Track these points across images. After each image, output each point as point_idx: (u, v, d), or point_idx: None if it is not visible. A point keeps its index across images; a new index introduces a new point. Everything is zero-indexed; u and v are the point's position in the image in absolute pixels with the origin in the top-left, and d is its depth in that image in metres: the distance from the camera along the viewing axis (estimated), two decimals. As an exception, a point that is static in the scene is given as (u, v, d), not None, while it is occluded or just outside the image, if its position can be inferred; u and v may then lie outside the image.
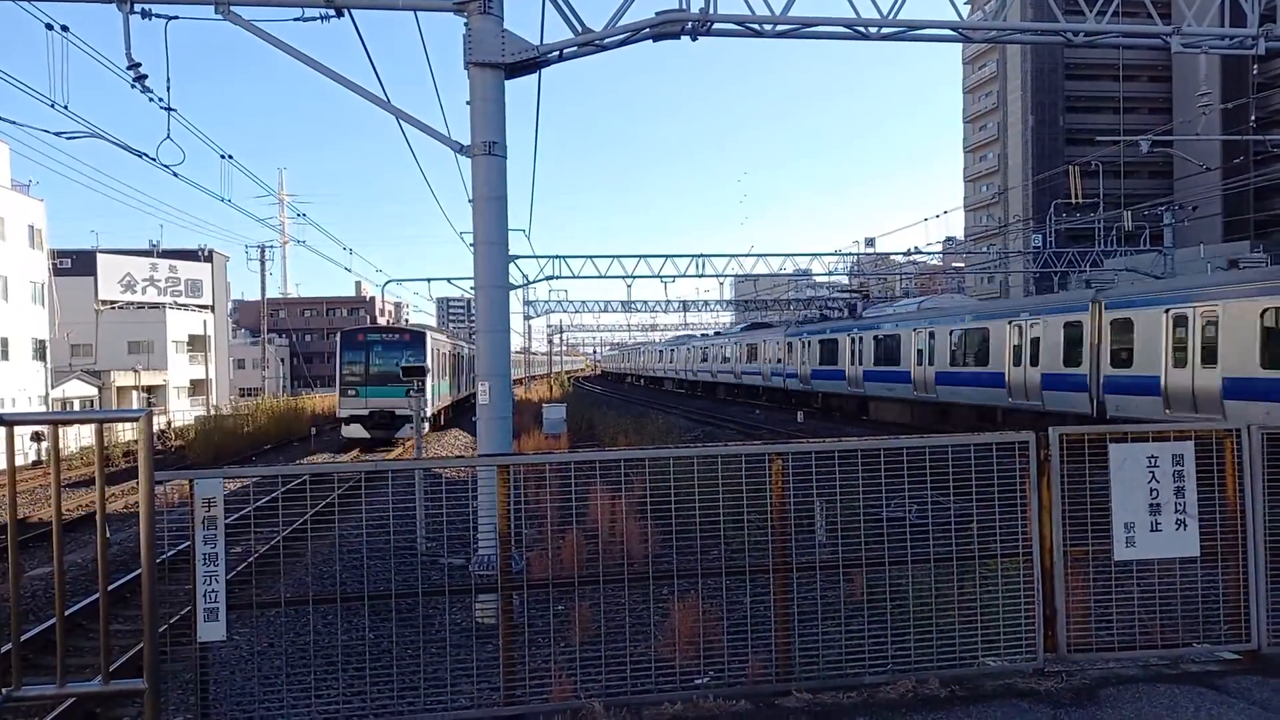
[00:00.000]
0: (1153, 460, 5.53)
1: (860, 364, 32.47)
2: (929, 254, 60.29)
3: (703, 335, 66.01)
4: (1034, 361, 21.87)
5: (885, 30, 11.03)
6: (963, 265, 71.49)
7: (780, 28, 10.77)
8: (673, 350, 70.97)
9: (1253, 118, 47.20)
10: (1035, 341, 21.83)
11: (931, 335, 27.51)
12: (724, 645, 5.49)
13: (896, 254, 57.07)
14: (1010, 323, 23.27)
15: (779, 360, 42.07)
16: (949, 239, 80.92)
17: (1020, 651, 5.53)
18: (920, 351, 28.02)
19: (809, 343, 37.97)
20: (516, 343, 63.43)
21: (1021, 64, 79.98)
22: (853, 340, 33.23)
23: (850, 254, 52.07)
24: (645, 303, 57.77)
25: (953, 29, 11.43)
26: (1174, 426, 5.86)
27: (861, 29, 10.97)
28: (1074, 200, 38.00)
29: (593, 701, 5.08)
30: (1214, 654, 5.76)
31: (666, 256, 41.62)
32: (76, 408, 47.48)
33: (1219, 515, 5.65)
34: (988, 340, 24.17)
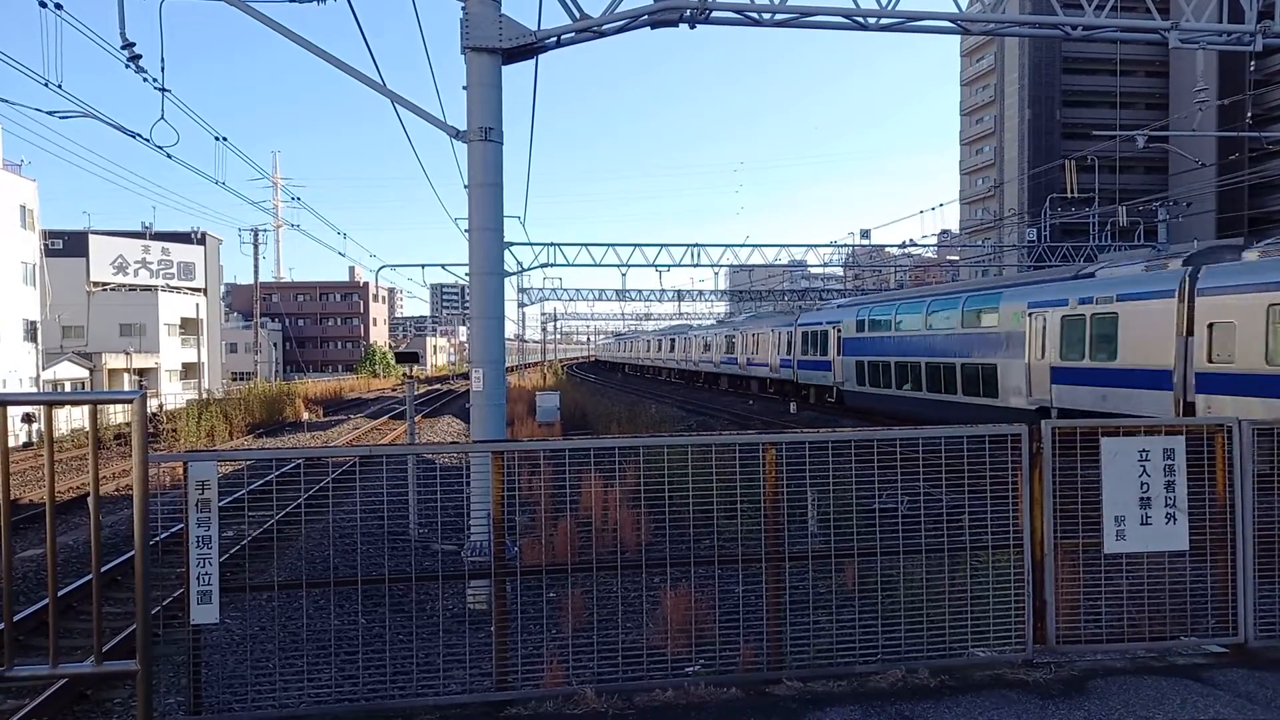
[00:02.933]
0: (1144, 454, 5.56)
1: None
2: (924, 246, 60.30)
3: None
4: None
5: (884, 21, 11.02)
6: (958, 258, 71.59)
7: (779, 17, 10.75)
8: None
9: (1248, 114, 47.35)
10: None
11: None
12: (715, 633, 5.51)
13: (892, 246, 56.98)
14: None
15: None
16: (944, 232, 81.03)
17: (1010, 642, 5.57)
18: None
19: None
20: (510, 330, 63.55)
21: (1019, 57, 79.95)
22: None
23: (845, 245, 51.96)
24: (640, 292, 57.77)
25: (951, 20, 11.41)
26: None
27: (860, 19, 10.96)
28: (1069, 194, 38.05)
29: (584, 687, 5.10)
30: (1201, 647, 5.81)
31: (661, 245, 41.39)
32: (68, 389, 47.31)
33: (1209, 510, 5.69)
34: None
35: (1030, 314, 19.98)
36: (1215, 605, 5.72)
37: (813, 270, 70.59)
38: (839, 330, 31.40)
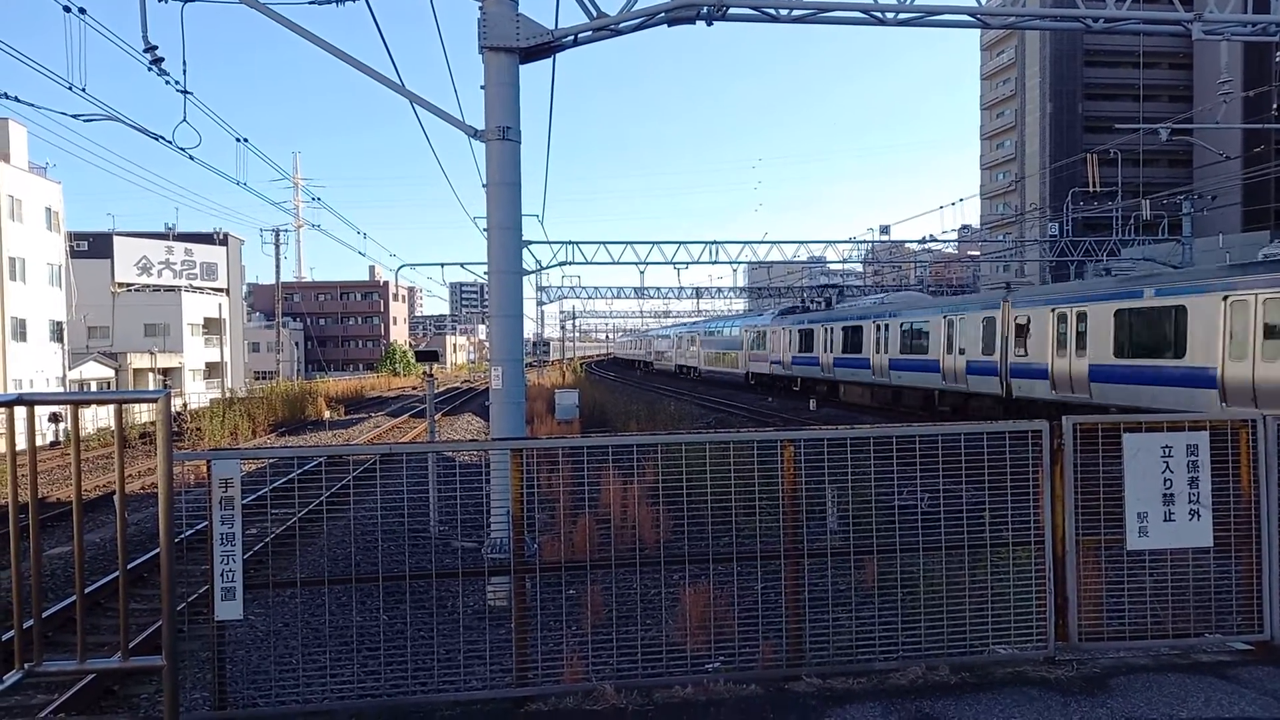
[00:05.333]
0: (1167, 450, 5.51)
1: None
2: (945, 242, 59.97)
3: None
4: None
5: (903, 15, 10.95)
6: (979, 254, 71.14)
7: (796, 12, 10.71)
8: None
9: (1275, 106, 46.72)
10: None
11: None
12: (735, 630, 5.52)
13: (911, 242, 56.70)
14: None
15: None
16: (965, 227, 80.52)
17: (1031, 639, 5.54)
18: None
19: None
20: (529, 328, 63.86)
21: (1040, 50, 79.24)
22: None
23: (865, 241, 51.76)
24: (658, 289, 57.80)
25: (970, 14, 11.33)
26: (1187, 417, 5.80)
27: (879, 14, 10.90)
28: (1092, 188, 37.70)
29: (604, 684, 5.12)
30: (1226, 644, 5.75)
31: (680, 243, 41.42)
32: (93, 389, 47.88)
33: (1233, 506, 5.63)
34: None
35: None
36: (1240, 602, 5.66)
37: (832, 267, 70.40)
38: None
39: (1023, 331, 22.87)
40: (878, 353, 31.13)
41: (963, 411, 25.74)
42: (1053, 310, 21.82)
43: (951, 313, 26.89)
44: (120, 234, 64.29)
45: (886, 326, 30.61)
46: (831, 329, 35.77)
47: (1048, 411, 19.83)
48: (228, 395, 44.91)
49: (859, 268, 67.51)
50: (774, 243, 42.36)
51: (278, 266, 54.25)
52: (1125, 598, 5.59)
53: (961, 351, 25.79)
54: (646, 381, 60.98)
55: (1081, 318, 20.69)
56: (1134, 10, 11.71)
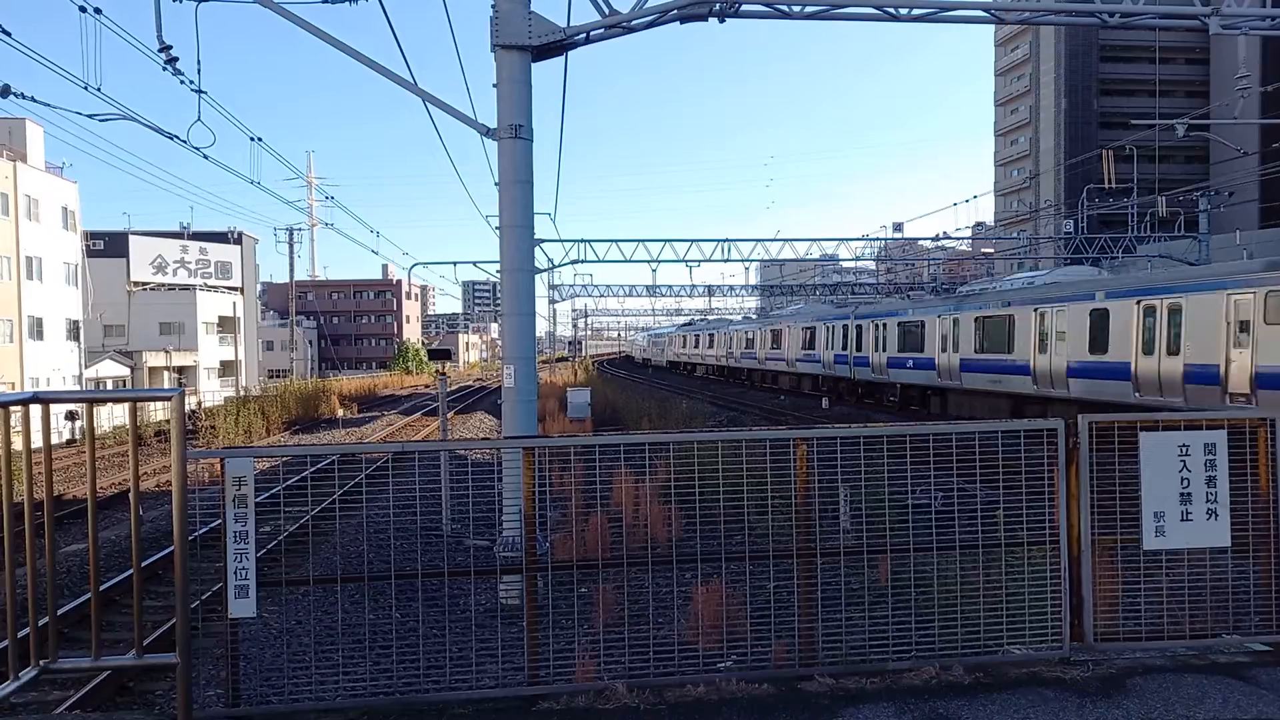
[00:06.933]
0: (1184, 449, 5.46)
1: None
2: (958, 239, 59.67)
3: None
4: None
5: (916, 11, 10.89)
6: (992, 251, 70.75)
7: (809, 9, 10.67)
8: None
9: (1293, 101, 46.19)
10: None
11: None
12: (747, 629, 5.50)
13: (925, 239, 56.50)
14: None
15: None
16: (978, 224, 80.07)
17: (1046, 640, 5.49)
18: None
19: None
20: (542, 327, 63.95)
21: (1055, 46, 78.75)
22: None
23: (878, 239, 51.56)
24: (670, 287, 57.72)
25: (984, 10, 11.25)
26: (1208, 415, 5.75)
27: (892, 10, 10.84)
28: (1107, 185, 37.41)
29: (616, 683, 5.10)
30: (1243, 645, 5.69)
31: (692, 241, 41.44)
32: (109, 387, 48.22)
33: (1251, 505, 5.57)
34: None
35: None
36: (1258, 603, 5.60)
37: (844, 264, 70.21)
38: None
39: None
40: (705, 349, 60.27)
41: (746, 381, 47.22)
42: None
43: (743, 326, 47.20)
44: (136, 233, 64.71)
45: (710, 334, 57.80)
46: (700, 335, 62.67)
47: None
48: (242, 393, 45.15)
49: (872, 265, 67.31)
50: (786, 240, 42.37)
51: (291, 265, 54.54)
52: (1141, 598, 5.54)
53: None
54: (655, 379, 61.10)
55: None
56: (1150, 5, 11.60)
